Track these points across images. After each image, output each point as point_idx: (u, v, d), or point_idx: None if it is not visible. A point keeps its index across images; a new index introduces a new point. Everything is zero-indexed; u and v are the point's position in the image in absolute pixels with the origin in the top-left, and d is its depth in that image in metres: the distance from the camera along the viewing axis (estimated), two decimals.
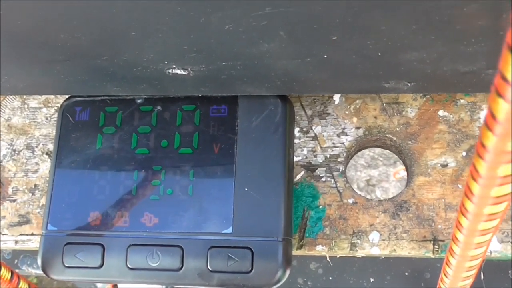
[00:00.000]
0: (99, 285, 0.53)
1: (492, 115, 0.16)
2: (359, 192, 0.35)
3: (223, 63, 0.26)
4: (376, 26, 0.21)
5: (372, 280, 0.40)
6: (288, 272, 0.32)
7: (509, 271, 0.40)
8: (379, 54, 0.24)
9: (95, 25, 0.23)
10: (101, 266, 0.33)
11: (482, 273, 0.39)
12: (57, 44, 0.25)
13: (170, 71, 0.28)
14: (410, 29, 0.21)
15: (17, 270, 0.47)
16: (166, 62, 0.27)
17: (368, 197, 0.34)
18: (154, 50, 0.25)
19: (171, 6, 0.21)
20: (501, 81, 0.15)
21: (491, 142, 0.17)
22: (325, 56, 0.25)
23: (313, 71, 0.27)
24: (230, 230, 0.32)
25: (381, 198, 0.35)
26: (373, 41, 0.23)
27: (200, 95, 0.34)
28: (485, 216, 0.22)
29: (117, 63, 0.27)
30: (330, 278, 0.41)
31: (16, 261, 0.47)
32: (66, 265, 0.33)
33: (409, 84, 0.28)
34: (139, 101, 0.35)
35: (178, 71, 0.28)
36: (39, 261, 0.33)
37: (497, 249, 0.32)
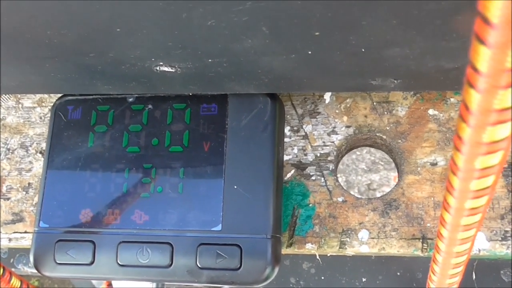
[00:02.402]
0: (95, 282, 0.53)
1: (465, 106, 0.16)
2: (348, 191, 0.35)
3: (209, 60, 0.27)
4: (357, 21, 0.21)
5: (364, 279, 0.40)
6: (276, 269, 0.32)
7: (501, 271, 0.40)
8: (363, 50, 0.24)
9: (79, 22, 0.23)
10: (92, 263, 0.33)
11: (474, 273, 0.39)
12: (44, 41, 0.25)
13: (157, 68, 0.28)
14: (390, 24, 0.22)
15: (13, 269, 0.47)
16: (153, 59, 0.27)
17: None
18: (140, 46, 0.25)
19: (152, 2, 0.21)
20: (472, 72, 0.15)
21: (467, 134, 0.17)
22: (309, 53, 0.25)
23: (298, 68, 0.27)
24: (219, 227, 0.32)
25: (371, 197, 0.35)
26: (355, 37, 0.23)
27: (190, 94, 0.34)
28: (467, 210, 0.22)
29: (105, 60, 0.27)
30: (322, 277, 0.41)
31: (12, 260, 0.47)
32: (58, 262, 0.33)
33: (395, 81, 0.28)
34: (130, 99, 0.35)
35: (166, 68, 0.28)
36: (31, 257, 0.34)
37: (486, 247, 0.32)
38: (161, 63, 0.27)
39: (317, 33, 0.23)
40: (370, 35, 0.23)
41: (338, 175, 0.37)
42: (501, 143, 0.17)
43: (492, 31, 0.13)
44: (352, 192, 0.34)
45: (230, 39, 0.24)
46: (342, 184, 0.37)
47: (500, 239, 0.32)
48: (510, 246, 0.32)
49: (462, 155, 0.18)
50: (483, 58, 0.14)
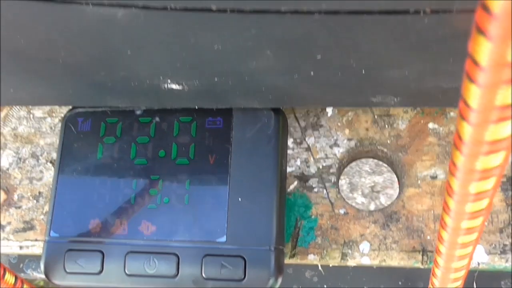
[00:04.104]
0: None
1: (459, 136, 0.17)
2: (350, 203, 0.35)
3: (216, 79, 0.27)
4: (357, 46, 0.22)
5: None
6: (280, 280, 0.32)
7: (502, 282, 0.40)
8: (363, 71, 0.25)
9: (92, 45, 0.24)
10: (101, 272, 0.34)
11: (474, 283, 0.40)
12: (58, 61, 0.26)
13: (165, 85, 0.29)
14: (389, 49, 0.22)
15: (22, 274, 0.48)
16: (161, 78, 0.28)
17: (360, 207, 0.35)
18: (150, 67, 0.26)
19: (161, 28, 0.22)
20: (464, 106, 0.16)
21: (460, 161, 0.18)
22: (312, 73, 0.26)
23: (302, 87, 0.28)
24: (224, 238, 0.33)
25: (372, 209, 0.35)
26: (356, 60, 0.24)
27: (196, 107, 0.35)
28: (463, 230, 0.23)
29: (115, 79, 0.28)
30: (325, 286, 0.41)
31: (21, 265, 0.48)
32: (67, 270, 0.34)
33: (395, 98, 0.29)
34: (138, 112, 0.36)
35: (173, 86, 0.29)
36: (42, 266, 0.35)
37: (485, 260, 0.33)
38: (169, 81, 0.28)
39: (319, 57, 0.23)
40: (369, 58, 0.23)
41: (342, 178, 0.38)
42: (493, 170, 0.18)
43: (481, 72, 0.14)
44: (355, 195, 0.35)
45: (236, 61, 0.25)
46: (344, 190, 0.38)
47: (499, 252, 0.33)
48: (509, 259, 0.33)
49: (457, 180, 0.19)
50: (473, 95, 0.15)
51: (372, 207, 0.40)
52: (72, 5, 0.20)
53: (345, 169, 0.38)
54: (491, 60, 0.13)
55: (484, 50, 0.13)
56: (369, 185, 0.41)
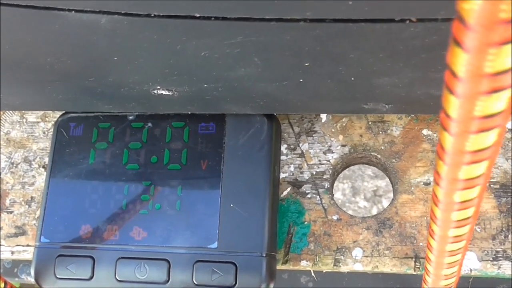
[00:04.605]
0: None
1: (441, 146, 0.17)
2: (343, 209, 0.35)
3: (205, 85, 0.27)
4: (344, 54, 0.22)
5: None
6: (271, 286, 0.32)
7: None
8: (352, 79, 0.25)
9: (78, 51, 0.24)
10: (91, 278, 0.34)
11: None
12: (45, 67, 0.26)
13: (155, 91, 0.29)
14: (377, 57, 0.22)
15: (16, 279, 0.48)
16: (150, 84, 0.28)
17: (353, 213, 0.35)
18: (137, 73, 0.26)
19: (148, 34, 0.22)
20: (444, 116, 0.16)
21: (444, 171, 0.18)
22: (301, 80, 0.25)
23: (292, 93, 0.28)
24: (215, 245, 0.33)
25: (365, 216, 0.35)
26: (345, 67, 0.24)
27: (189, 113, 0.35)
28: (451, 238, 0.23)
29: (104, 84, 0.28)
30: None
31: (15, 270, 0.48)
32: (58, 276, 0.34)
33: (387, 105, 0.29)
34: (130, 117, 0.36)
35: (163, 92, 0.29)
36: (32, 271, 0.35)
37: (477, 267, 0.33)
38: (159, 87, 0.28)
39: (307, 64, 0.23)
40: (358, 66, 0.23)
41: (344, 182, 0.38)
42: (477, 179, 0.18)
43: (459, 83, 0.14)
44: (357, 199, 0.35)
45: (224, 68, 0.25)
46: (344, 195, 0.37)
47: (491, 259, 0.33)
48: (501, 266, 0.33)
49: (441, 189, 0.19)
50: (453, 106, 0.14)
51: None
52: (55, 11, 0.19)
53: (347, 173, 0.38)
54: (468, 71, 0.13)
55: (461, 62, 0.13)
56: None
